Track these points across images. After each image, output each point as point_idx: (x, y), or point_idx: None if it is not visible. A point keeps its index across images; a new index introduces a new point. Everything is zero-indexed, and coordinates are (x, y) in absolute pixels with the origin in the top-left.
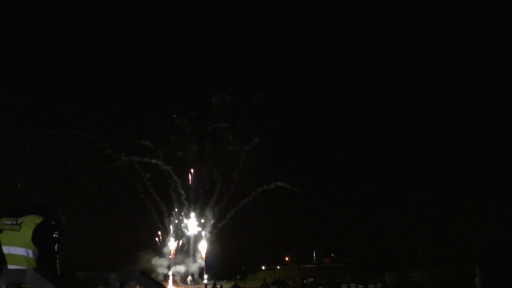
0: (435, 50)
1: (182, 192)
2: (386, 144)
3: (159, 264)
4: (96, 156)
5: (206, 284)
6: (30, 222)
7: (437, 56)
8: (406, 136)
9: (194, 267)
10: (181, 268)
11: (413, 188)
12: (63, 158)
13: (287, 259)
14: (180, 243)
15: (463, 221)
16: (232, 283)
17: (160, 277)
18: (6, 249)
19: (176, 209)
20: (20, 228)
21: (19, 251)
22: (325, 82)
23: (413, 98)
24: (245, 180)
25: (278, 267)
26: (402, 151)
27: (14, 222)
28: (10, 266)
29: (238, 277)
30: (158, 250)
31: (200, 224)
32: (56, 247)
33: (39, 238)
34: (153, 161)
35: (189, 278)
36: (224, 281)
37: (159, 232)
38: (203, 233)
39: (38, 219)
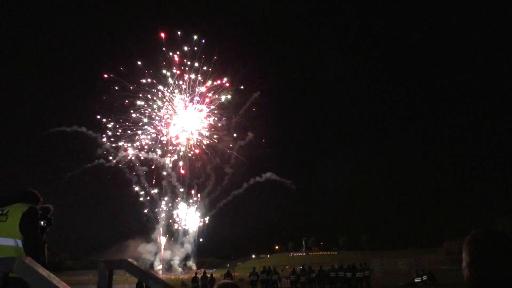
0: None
1: (176, 184)
2: (375, 143)
3: (146, 251)
4: (95, 152)
5: (196, 273)
6: (16, 211)
7: None
8: (395, 135)
9: (180, 253)
10: (167, 254)
11: (404, 178)
12: (67, 154)
13: (277, 247)
14: (170, 232)
15: (453, 212)
16: (224, 272)
17: (147, 264)
18: None
19: (168, 199)
20: (6, 219)
21: (8, 242)
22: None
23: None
24: (238, 173)
25: (268, 256)
26: (389, 147)
27: (0, 212)
28: None
29: (227, 265)
30: (147, 237)
31: (191, 213)
32: (44, 235)
33: (25, 225)
34: (150, 155)
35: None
36: (215, 269)
37: (150, 220)
38: (194, 222)
39: (24, 207)
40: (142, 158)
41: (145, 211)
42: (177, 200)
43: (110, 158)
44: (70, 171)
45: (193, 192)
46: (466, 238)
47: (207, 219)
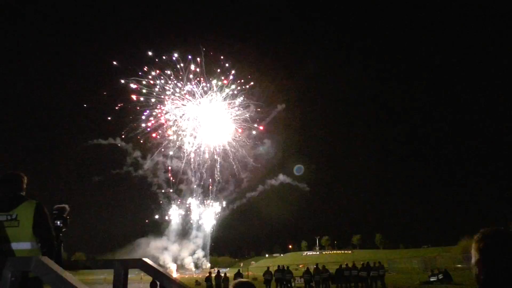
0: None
1: (195, 186)
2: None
3: (155, 247)
4: (125, 161)
5: (210, 272)
6: (26, 213)
7: None
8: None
9: (189, 249)
10: (175, 248)
11: (419, 176)
12: (99, 163)
13: (290, 246)
14: (184, 231)
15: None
16: (236, 271)
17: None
18: (7, 246)
19: (185, 200)
20: (18, 223)
21: (24, 246)
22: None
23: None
24: (254, 177)
25: (281, 255)
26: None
27: (9, 217)
28: None
29: (241, 264)
30: (160, 232)
31: (207, 213)
32: (60, 235)
33: (39, 226)
34: (173, 162)
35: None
36: (228, 269)
37: (166, 217)
38: (209, 220)
39: (31, 206)
40: (167, 165)
41: (164, 210)
42: (191, 200)
43: (138, 167)
44: (99, 176)
45: (210, 190)
46: (475, 236)
47: (221, 218)
